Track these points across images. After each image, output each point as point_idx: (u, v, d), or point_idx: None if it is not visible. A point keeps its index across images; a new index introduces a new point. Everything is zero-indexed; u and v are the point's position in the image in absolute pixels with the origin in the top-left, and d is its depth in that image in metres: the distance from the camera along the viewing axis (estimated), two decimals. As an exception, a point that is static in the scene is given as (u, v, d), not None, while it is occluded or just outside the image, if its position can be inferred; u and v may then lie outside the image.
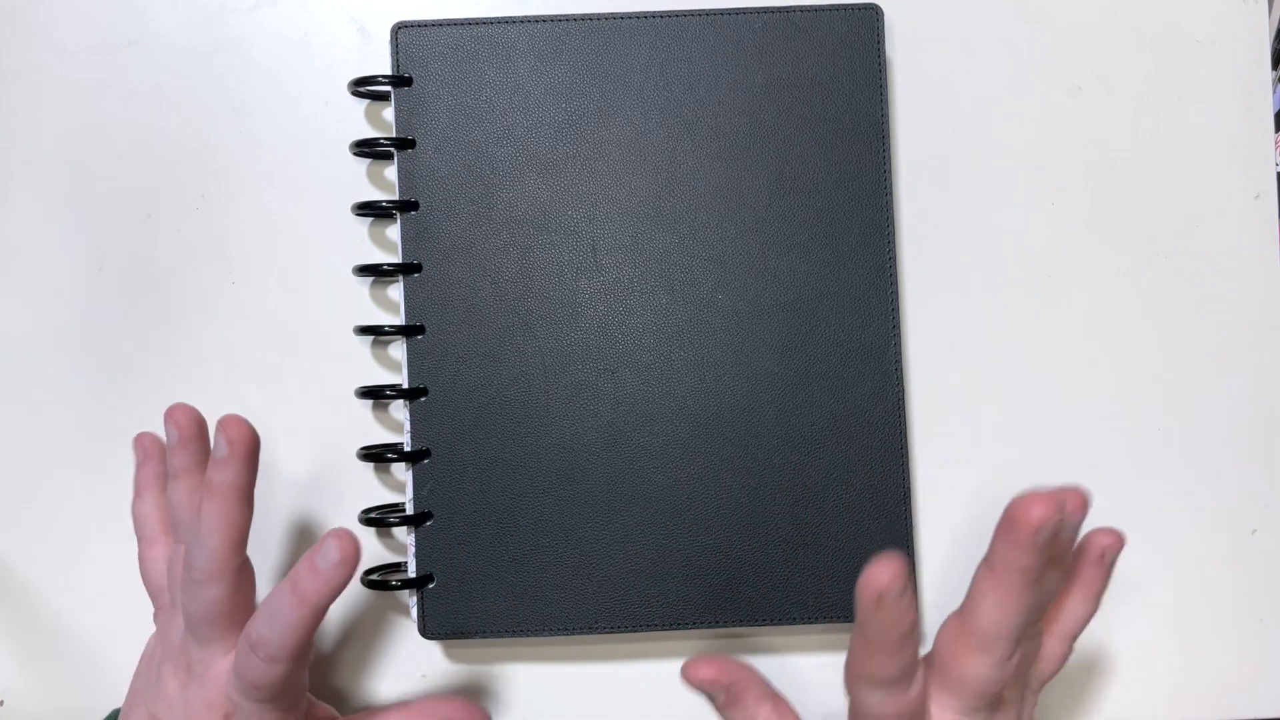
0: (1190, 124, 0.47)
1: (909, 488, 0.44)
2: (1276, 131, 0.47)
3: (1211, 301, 0.46)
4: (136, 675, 0.41)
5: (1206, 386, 0.46)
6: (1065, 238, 0.46)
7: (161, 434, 0.44)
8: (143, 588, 0.43)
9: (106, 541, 0.46)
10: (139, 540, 0.42)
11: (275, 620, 0.36)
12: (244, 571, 0.38)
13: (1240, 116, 0.47)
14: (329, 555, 0.35)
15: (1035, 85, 0.47)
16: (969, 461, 0.46)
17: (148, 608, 0.44)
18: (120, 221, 0.46)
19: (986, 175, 0.47)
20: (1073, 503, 0.35)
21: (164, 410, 0.40)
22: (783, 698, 0.38)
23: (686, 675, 0.37)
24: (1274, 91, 0.47)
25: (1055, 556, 0.36)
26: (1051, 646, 0.38)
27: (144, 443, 0.43)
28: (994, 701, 0.36)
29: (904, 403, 0.44)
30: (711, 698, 0.38)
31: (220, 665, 0.38)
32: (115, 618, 0.45)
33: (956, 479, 0.46)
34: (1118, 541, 0.38)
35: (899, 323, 0.44)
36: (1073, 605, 0.38)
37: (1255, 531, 0.46)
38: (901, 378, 0.44)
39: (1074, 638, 0.39)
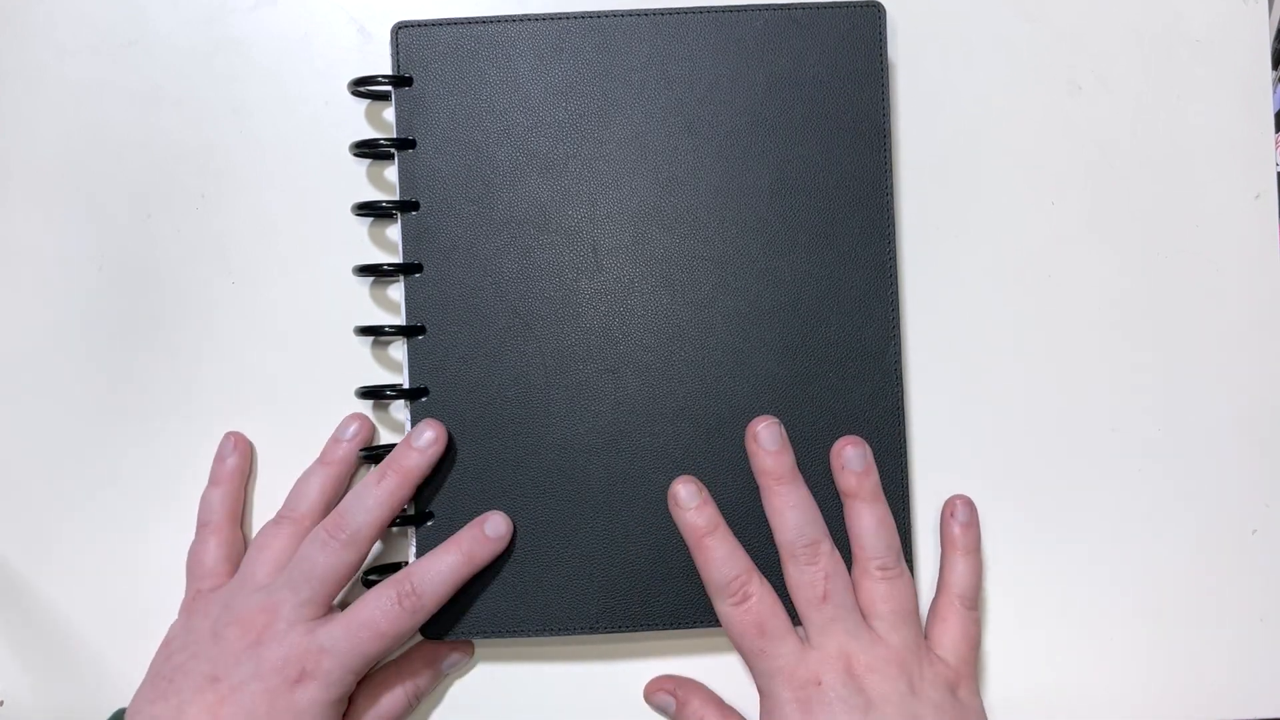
0: (1190, 124, 0.47)
1: (909, 488, 0.44)
2: (1276, 131, 0.47)
3: (1211, 301, 0.46)
4: (166, 657, 0.41)
5: (1207, 386, 0.46)
6: (1065, 238, 0.46)
7: (161, 438, 0.45)
8: (144, 581, 0.44)
9: (107, 540, 0.46)
10: (201, 525, 0.44)
11: (436, 576, 0.41)
12: (367, 552, 0.42)
13: (1240, 116, 0.47)
14: (497, 526, 0.42)
15: (1035, 85, 0.47)
16: (969, 461, 0.46)
17: (148, 608, 0.44)
18: (120, 221, 0.46)
19: (986, 175, 0.47)
20: (841, 441, 0.43)
21: (343, 417, 0.45)
22: (731, 708, 0.43)
23: (645, 696, 0.44)
24: (1274, 91, 0.47)
25: (846, 489, 0.42)
26: (942, 604, 0.43)
27: (236, 439, 0.45)
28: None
29: (904, 403, 0.44)
30: (665, 710, 0.44)
31: (302, 627, 0.40)
32: (115, 618, 0.45)
33: (956, 479, 0.46)
34: (965, 502, 0.45)
35: (899, 323, 0.44)
36: (948, 563, 0.44)
37: (1255, 531, 0.46)
38: (901, 378, 0.44)
39: (966, 597, 0.43)
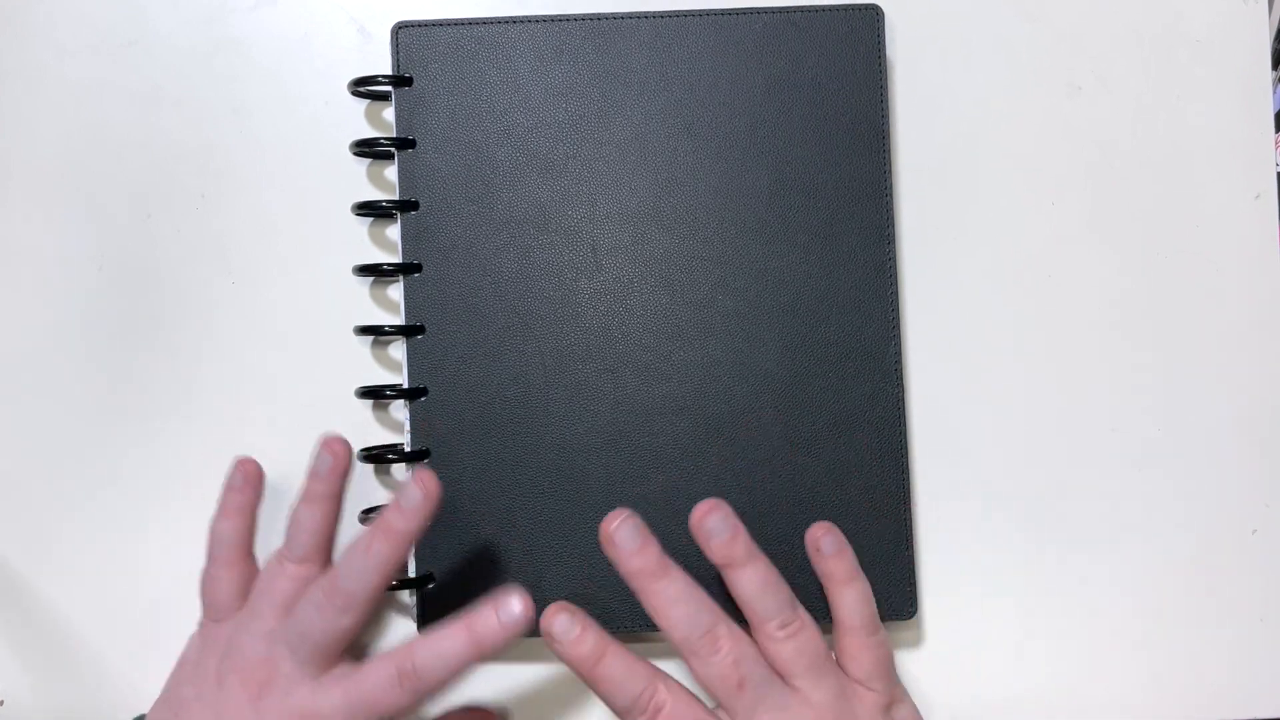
0: (1190, 124, 0.47)
1: (909, 488, 0.44)
2: (1276, 131, 0.47)
3: (1211, 301, 0.46)
4: (179, 683, 0.41)
5: (1207, 386, 0.46)
6: (1065, 238, 0.46)
7: (161, 438, 0.45)
8: (143, 582, 0.44)
9: (107, 540, 0.46)
10: (211, 559, 0.43)
11: (441, 659, 0.38)
12: (373, 611, 0.40)
13: (1240, 116, 0.47)
14: (512, 611, 0.38)
15: (1035, 85, 0.47)
16: (969, 461, 0.46)
17: (148, 608, 0.44)
18: (120, 221, 0.46)
19: (986, 175, 0.47)
20: (698, 512, 0.40)
21: (321, 439, 0.42)
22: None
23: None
24: (1274, 91, 0.47)
25: (719, 560, 0.40)
26: (846, 642, 0.41)
27: (247, 469, 0.44)
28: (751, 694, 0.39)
29: (904, 403, 0.44)
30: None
31: (305, 686, 0.39)
32: (115, 618, 0.45)
33: (956, 479, 0.46)
34: (826, 530, 0.41)
35: (899, 323, 0.44)
36: (833, 598, 0.41)
37: (1255, 531, 0.46)
38: (901, 378, 0.44)
39: (863, 626, 0.41)
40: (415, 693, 0.38)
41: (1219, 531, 0.46)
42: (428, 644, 0.38)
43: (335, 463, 0.42)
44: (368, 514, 0.43)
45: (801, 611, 0.40)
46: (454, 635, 0.38)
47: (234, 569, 0.42)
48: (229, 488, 0.44)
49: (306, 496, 0.42)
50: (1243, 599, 0.46)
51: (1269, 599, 0.46)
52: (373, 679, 0.38)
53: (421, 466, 0.39)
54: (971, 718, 0.45)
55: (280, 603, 0.40)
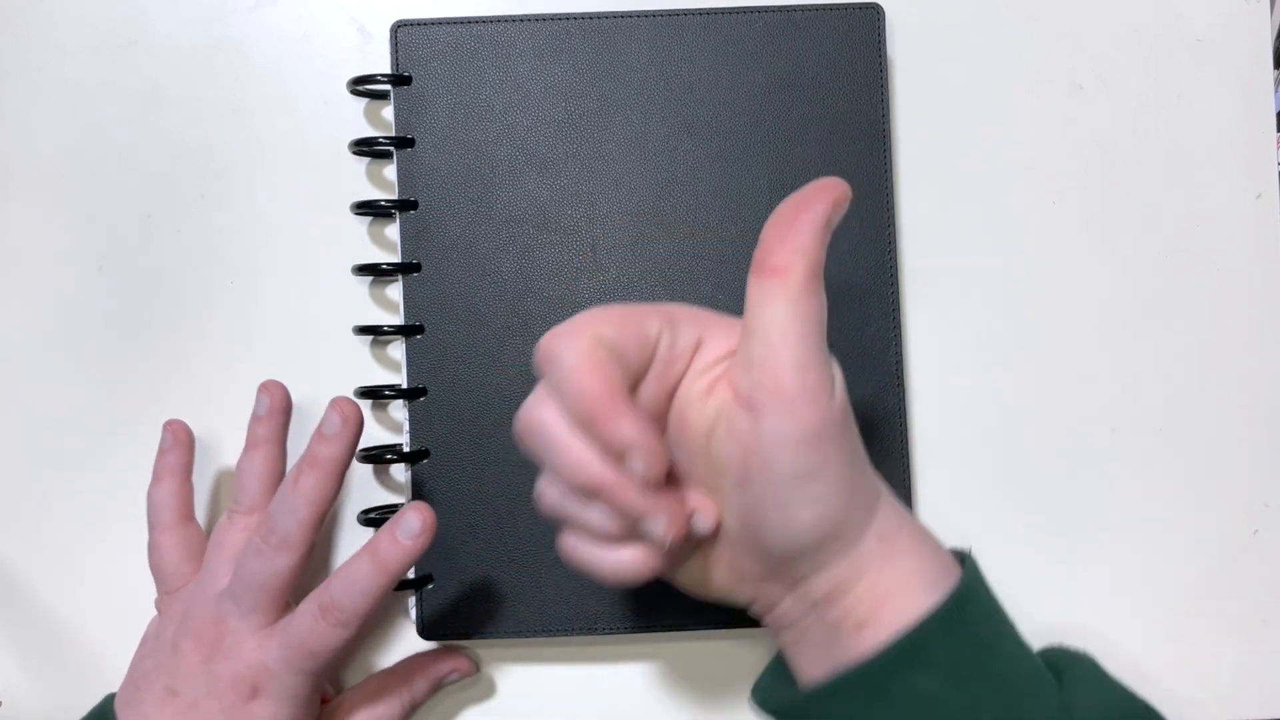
0: (1191, 124, 0.47)
1: (909, 487, 0.44)
2: (1277, 131, 0.47)
3: (1212, 301, 0.46)
4: (141, 658, 0.41)
5: (1207, 386, 0.46)
6: (1066, 238, 0.46)
7: (156, 430, 0.45)
8: (143, 582, 0.43)
9: (106, 541, 0.46)
10: (152, 526, 0.43)
11: (353, 586, 0.38)
12: (312, 549, 0.40)
13: (1240, 116, 0.47)
14: (410, 526, 0.38)
15: (1035, 85, 0.47)
16: (969, 461, 0.46)
17: (148, 606, 0.44)
18: (120, 221, 0.46)
19: (987, 175, 0.46)
20: None
21: (259, 383, 0.43)
22: None
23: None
24: (1274, 91, 0.47)
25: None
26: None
27: (174, 429, 0.44)
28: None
29: (904, 403, 0.44)
30: None
31: (252, 640, 0.39)
32: (114, 617, 0.45)
33: (956, 479, 0.46)
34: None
35: (899, 323, 0.44)
36: None
37: (1255, 531, 0.46)
38: (901, 378, 0.44)
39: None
40: (339, 624, 0.38)
41: (1219, 532, 0.46)
42: (340, 575, 0.38)
43: (271, 402, 0.42)
44: (367, 514, 0.43)
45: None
46: (361, 561, 0.38)
47: (175, 533, 0.43)
48: (159, 451, 0.44)
49: (248, 443, 0.42)
50: (1243, 599, 0.46)
51: (1269, 599, 0.46)
52: (299, 621, 0.39)
53: (340, 396, 0.39)
54: (971, 718, 0.45)
55: (232, 557, 0.41)
